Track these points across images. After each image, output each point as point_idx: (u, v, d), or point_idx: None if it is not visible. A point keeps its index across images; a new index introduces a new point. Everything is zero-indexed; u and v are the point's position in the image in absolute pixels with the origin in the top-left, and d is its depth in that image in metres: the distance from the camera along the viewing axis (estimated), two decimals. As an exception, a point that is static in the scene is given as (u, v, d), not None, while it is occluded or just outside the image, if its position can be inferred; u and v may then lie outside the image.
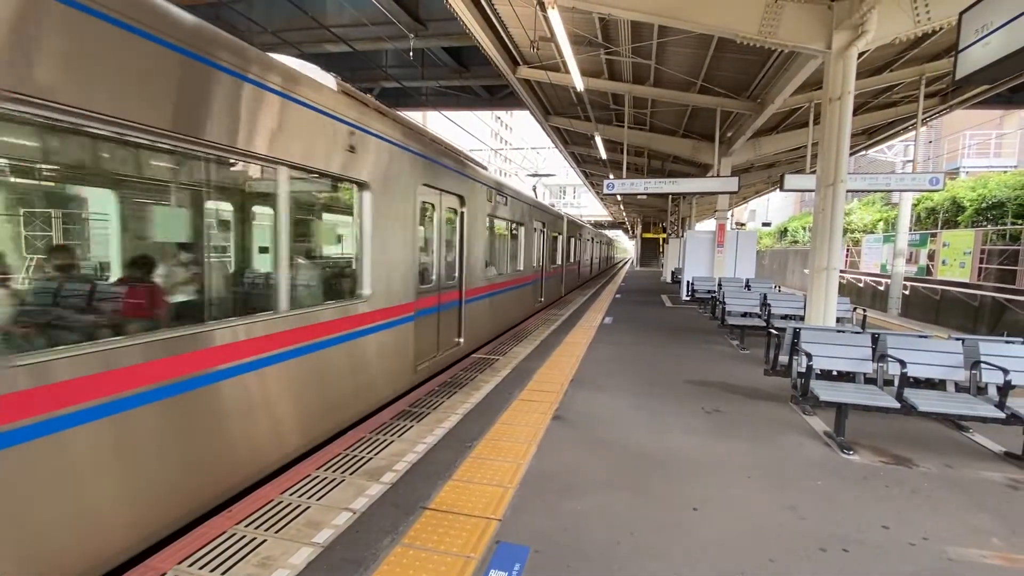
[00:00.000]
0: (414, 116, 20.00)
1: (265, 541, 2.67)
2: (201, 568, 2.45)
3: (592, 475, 3.57)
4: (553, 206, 17.48)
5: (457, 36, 10.95)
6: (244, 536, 2.72)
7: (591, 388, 5.73)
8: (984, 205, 15.96)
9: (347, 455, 3.78)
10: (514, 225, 10.42)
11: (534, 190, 19.08)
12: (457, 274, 6.92)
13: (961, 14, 3.59)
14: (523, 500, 3.17)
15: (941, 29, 6.38)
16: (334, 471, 3.51)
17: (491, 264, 8.68)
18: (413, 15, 10.73)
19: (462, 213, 6.98)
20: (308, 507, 3.02)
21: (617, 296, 16.84)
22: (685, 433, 4.44)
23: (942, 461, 4.01)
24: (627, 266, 50.20)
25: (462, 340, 7.08)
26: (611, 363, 7.00)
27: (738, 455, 3.99)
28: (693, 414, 4.95)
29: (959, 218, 16.93)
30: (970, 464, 3.98)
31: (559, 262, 16.15)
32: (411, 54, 11.89)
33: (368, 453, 3.82)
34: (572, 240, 19.00)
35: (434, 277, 6.22)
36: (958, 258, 14.67)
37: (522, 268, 10.83)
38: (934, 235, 16.75)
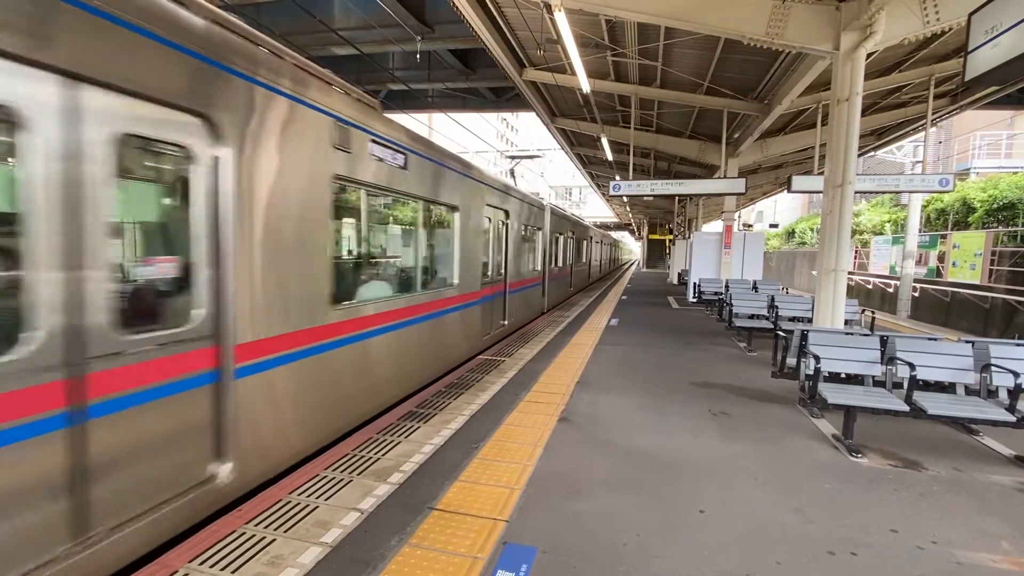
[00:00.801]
0: (420, 118, 19.96)
1: (274, 540, 2.70)
2: (212, 566, 2.49)
3: (598, 477, 3.57)
4: (539, 195, 13.27)
5: (463, 39, 11.01)
6: (254, 535, 2.75)
7: (597, 390, 5.73)
8: (995, 206, 15.79)
9: (355, 455, 3.81)
10: (436, 210, 6.42)
11: (511, 175, 15.02)
12: (212, 309, 3.03)
13: (970, 15, 3.57)
14: (530, 501, 3.19)
15: (950, 30, 6.34)
16: (342, 471, 3.54)
17: (371, 277, 5.20)
18: (420, 18, 10.79)
19: (216, 161, 3.01)
20: (316, 507, 3.05)
21: (623, 298, 16.81)
22: (692, 435, 4.43)
23: (951, 465, 3.98)
24: (633, 268, 50.08)
25: (229, 466, 3.11)
26: (617, 365, 7.00)
27: (745, 457, 3.98)
28: (700, 416, 4.94)
29: (969, 219, 16.76)
30: (980, 468, 3.94)
31: (538, 267, 12.37)
32: (418, 56, 11.96)
33: (375, 454, 3.84)
34: (562, 239, 15.29)
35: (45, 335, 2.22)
36: (968, 260, 14.52)
37: (458, 281, 6.80)
38: (944, 236, 16.60)
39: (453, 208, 6.69)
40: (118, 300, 2.55)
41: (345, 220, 4.76)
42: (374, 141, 4.64)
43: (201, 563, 2.51)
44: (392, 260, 5.77)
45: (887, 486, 3.57)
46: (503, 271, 9.26)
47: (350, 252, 4.92)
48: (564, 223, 15.72)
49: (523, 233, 10.69)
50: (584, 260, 21.72)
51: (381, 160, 4.78)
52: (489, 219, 8.24)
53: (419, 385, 5.83)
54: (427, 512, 3.02)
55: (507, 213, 9.27)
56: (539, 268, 12.43)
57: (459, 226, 6.83)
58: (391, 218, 5.74)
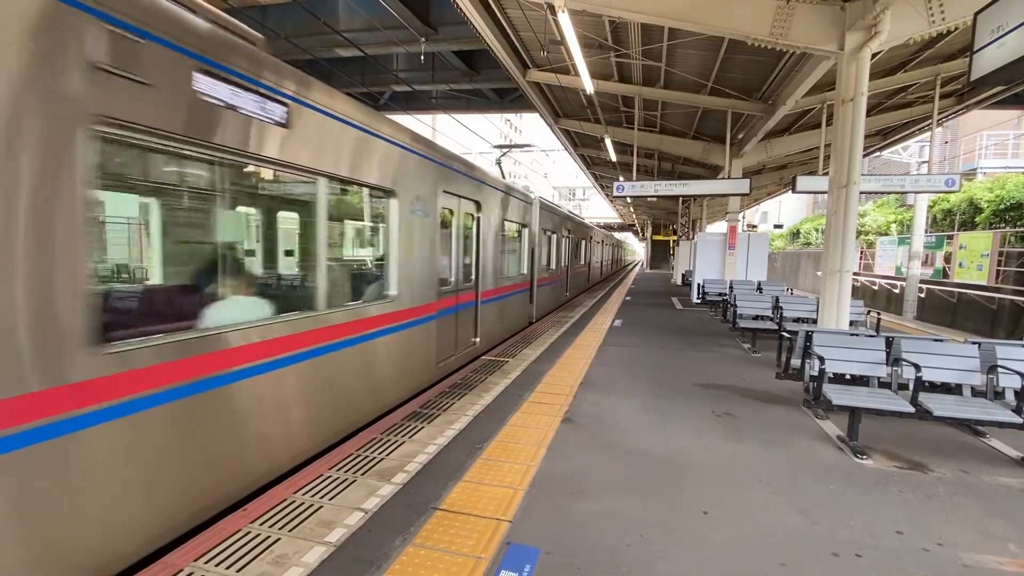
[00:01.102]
0: (424, 119, 20.03)
1: (279, 540, 2.71)
2: (217, 565, 2.50)
3: (602, 477, 3.57)
4: (529, 190, 11.83)
5: (467, 40, 11.04)
6: (259, 534, 2.76)
7: (601, 391, 5.73)
8: (1002, 206, 15.71)
9: (359, 455, 3.82)
10: (355, 193, 4.95)
11: (499, 166, 13.59)
12: None
13: (976, 14, 3.56)
14: (533, 502, 3.19)
15: (956, 29, 6.31)
16: (346, 471, 3.55)
17: (223, 291, 3.52)
18: (424, 20, 10.83)
19: None
20: (321, 507, 3.06)
21: (627, 299, 16.79)
22: (695, 436, 4.42)
23: (957, 466, 3.96)
24: (636, 268, 50.03)
25: None
26: (621, 366, 6.99)
27: (749, 459, 3.97)
28: (703, 417, 4.93)
29: (976, 220, 16.67)
30: (986, 470, 3.92)
31: (524, 271, 10.75)
32: (422, 58, 12.01)
33: (379, 454, 3.85)
34: (555, 238, 13.89)
35: None
36: (975, 260, 14.43)
37: (396, 291, 5.04)
38: (950, 237, 16.50)
39: (387, 193, 4.93)
40: None
41: (149, 199, 3.09)
42: (207, 72, 2.89)
43: (206, 562, 2.53)
44: (271, 264, 4.26)
45: (892, 488, 3.55)
46: (474, 276, 7.64)
47: (176, 251, 3.40)
48: (558, 220, 14.24)
49: (502, 230, 8.93)
50: (583, 262, 20.09)
51: (229, 107, 3.06)
52: (451, 211, 6.59)
53: (314, 451, 3.99)
54: (431, 512, 3.03)
55: (478, 204, 7.61)
56: (525, 272, 10.82)
57: (398, 217, 5.04)
58: (263, 201, 4.08)
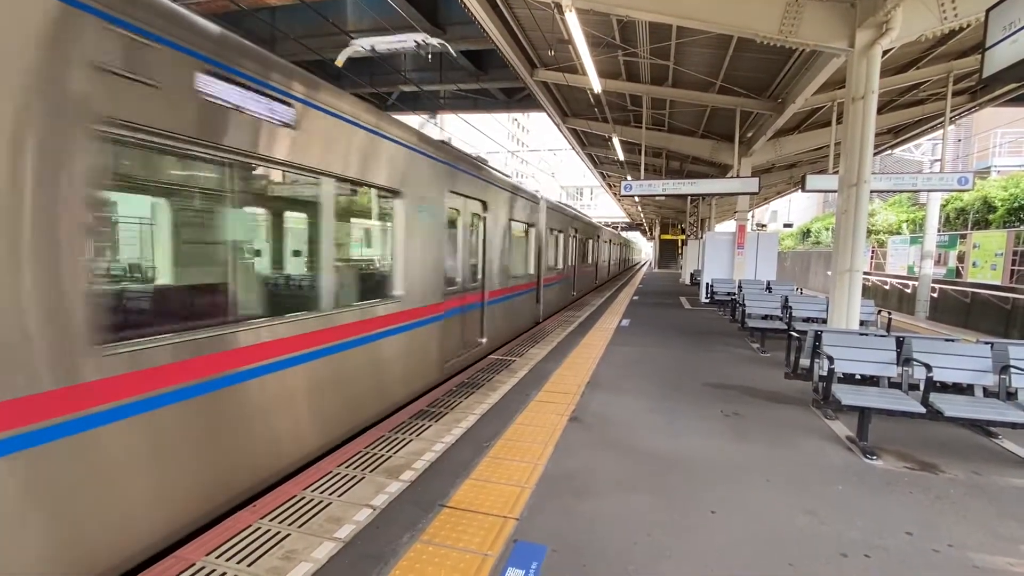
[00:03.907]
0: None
1: (289, 535, 2.75)
2: (228, 560, 2.54)
3: (609, 477, 3.58)
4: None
5: (475, 40, 11.06)
6: (268, 530, 2.80)
7: (608, 390, 5.72)
8: (1016, 205, 15.49)
9: (367, 453, 3.85)
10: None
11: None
12: None
13: (988, 11, 3.52)
14: (540, 500, 3.20)
15: (968, 26, 6.24)
16: (354, 468, 3.58)
17: None
18: (432, 20, 10.87)
19: None
20: (330, 503, 3.09)
21: (635, 298, 16.74)
22: (703, 436, 4.41)
23: (969, 468, 3.92)
24: (644, 268, 49.82)
25: None
26: (628, 365, 6.98)
27: (757, 459, 3.96)
28: (712, 417, 4.92)
29: (990, 218, 16.45)
30: (999, 471, 3.87)
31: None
32: (429, 58, 12.04)
33: (387, 451, 3.89)
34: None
35: None
36: (989, 260, 14.24)
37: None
38: (964, 236, 16.29)
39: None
40: None
41: None
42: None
43: (217, 556, 2.57)
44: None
45: (902, 488, 3.52)
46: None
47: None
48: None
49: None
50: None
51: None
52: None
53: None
54: (438, 509, 3.05)
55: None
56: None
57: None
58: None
